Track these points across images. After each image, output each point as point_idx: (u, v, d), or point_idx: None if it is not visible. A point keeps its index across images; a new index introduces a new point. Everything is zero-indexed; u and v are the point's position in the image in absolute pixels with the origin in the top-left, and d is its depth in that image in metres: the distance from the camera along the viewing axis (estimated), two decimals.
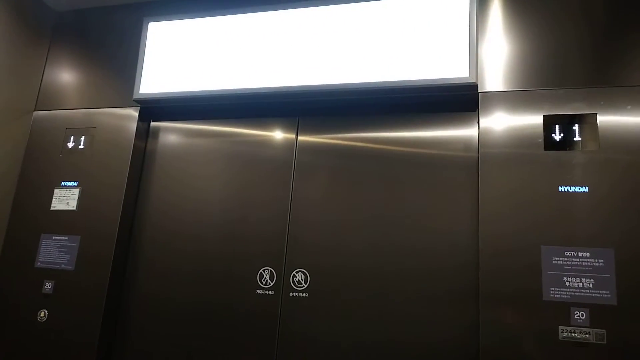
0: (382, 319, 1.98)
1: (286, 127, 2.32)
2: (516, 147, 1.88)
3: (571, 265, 1.73)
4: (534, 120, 1.89)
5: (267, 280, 2.14)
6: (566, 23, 1.97)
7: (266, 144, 2.32)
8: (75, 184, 2.42)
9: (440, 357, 1.89)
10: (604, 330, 1.65)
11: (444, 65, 2.02)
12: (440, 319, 1.91)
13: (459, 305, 1.90)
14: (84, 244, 2.32)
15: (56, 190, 2.43)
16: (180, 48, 2.42)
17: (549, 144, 1.85)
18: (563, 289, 1.71)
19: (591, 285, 1.69)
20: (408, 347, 1.93)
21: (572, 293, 1.70)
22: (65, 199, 2.40)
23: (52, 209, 2.41)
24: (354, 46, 2.15)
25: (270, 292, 2.12)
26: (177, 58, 2.42)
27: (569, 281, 1.71)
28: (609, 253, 1.70)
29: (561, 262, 1.74)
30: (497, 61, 2.01)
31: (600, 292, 1.68)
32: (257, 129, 2.36)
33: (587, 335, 1.65)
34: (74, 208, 2.38)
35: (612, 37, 1.90)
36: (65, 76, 2.65)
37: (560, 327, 1.68)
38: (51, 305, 2.28)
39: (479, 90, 1.99)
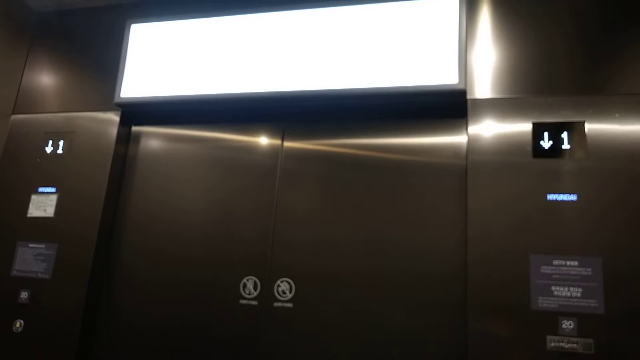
0: (367, 329, 1.95)
1: (271, 133, 2.29)
2: (505, 154, 1.87)
3: (559, 274, 1.72)
4: (523, 127, 1.88)
5: (250, 290, 2.10)
6: (555, 31, 1.97)
7: (251, 150, 2.29)
8: (53, 190, 2.36)
9: None
10: (591, 340, 1.64)
11: (433, 71, 2.00)
12: (429, 330, 1.89)
13: (447, 316, 1.88)
14: (61, 252, 2.26)
15: (33, 197, 2.37)
16: (163, 51, 2.38)
17: (538, 151, 1.84)
18: (551, 298, 1.71)
19: (579, 295, 1.69)
20: (395, 358, 1.90)
21: (560, 302, 1.70)
22: (43, 205, 2.34)
23: (28, 215, 2.36)
24: (342, 51, 2.13)
25: (253, 302, 2.08)
26: (160, 61, 2.38)
27: (557, 290, 1.71)
28: (597, 262, 1.70)
29: (549, 271, 1.73)
30: (486, 68, 2.01)
31: (588, 301, 1.68)
32: (241, 135, 2.32)
33: (575, 345, 1.65)
34: (52, 215, 2.32)
35: (601, 46, 1.90)
36: (45, 79, 2.60)
37: (548, 337, 1.67)
38: (27, 315, 2.22)
39: (467, 97, 1.99)
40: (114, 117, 2.40)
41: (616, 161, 1.76)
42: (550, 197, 1.79)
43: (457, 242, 1.92)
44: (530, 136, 1.87)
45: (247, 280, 2.11)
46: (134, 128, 2.49)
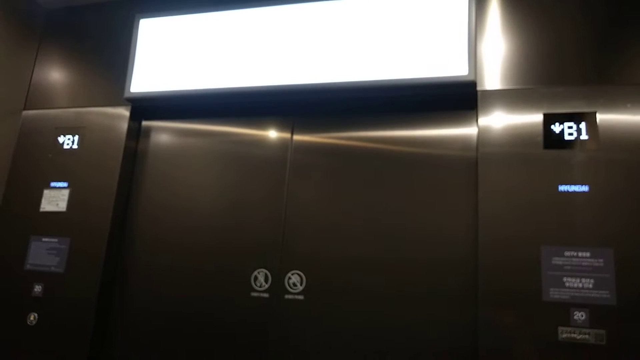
0: (379, 321, 1.95)
1: (281, 126, 2.29)
2: (515, 145, 1.87)
3: (571, 265, 1.71)
4: (533, 118, 1.87)
5: (261, 282, 2.11)
6: (566, 20, 1.96)
7: (261, 143, 2.29)
8: (65, 184, 2.37)
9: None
10: (603, 331, 1.64)
11: (443, 62, 1.99)
12: (440, 321, 1.89)
13: (458, 307, 1.88)
14: (74, 246, 2.28)
15: (45, 191, 2.39)
16: (172, 45, 2.39)
17: (549, 142, 1.83)
18: (563, 290, 1.70)
19: (591, 286, 1.68)
20: (406, 350, 1.90)
21: (572, 293, 1.69)
22: (55, 200, 2.36)
23: (41, 210, 2.37)
24: (351, 43, 2.13)
25: (264, 295, 2.09)
26: (169, 55, 2.38)
27: (569, 281, 1.70)
28: (609, 253, 1.69)
29: (561, 262, 1.72)
30: (496, 59, 2.00)
31: (600, 292, 1.67)
32: (251, 128, 2.33)
33: (587, 336, 1.64)
34: (64, 209, 2.34)
35: (612, 35, 1.89)
36: (55, 74, 2.61)
37: (560, 328, 1.67)
38: (41, 309, 2.24)
39: (477, 88, 1.97)
40: (124, 112, 2.41)
41: (628, 152, 1.75)
42: (562, 188, 1.78)
43: (468, 233, 1.92)
44: (541, 127, 1.85)
45: (258, 272, 2.12)
46: (144, 122, 2.50)
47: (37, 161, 2.46)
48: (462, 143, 2.04)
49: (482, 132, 1.92)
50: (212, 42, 2.33)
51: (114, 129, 2.40)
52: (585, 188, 1.76)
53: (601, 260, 1.69)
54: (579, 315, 1.66)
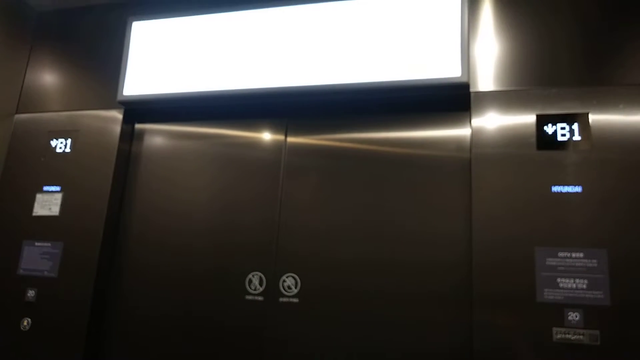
0: (374, 323, 1.95)
1: (275, 129, 2.28)
2: (508, 146, 1.87)
3: (565, 266, 1.72)
4: (527, 119, 1.88)
5: (256, 285, 2.11)
6: (558, 22, 1.97)
7: (254, 145, 2.29)
8: (58, 188, 2.36)
9: None
10: (597, 331, 1.64)
11: (436, 64, 2.00)
12: (435, 322, 1.90)
13: (453, 308, 1.88)
14: (67, 250, 2.27)
15: (38, 196, 2.38)
16: (165, 48, 2.38)
17: (542, 143, 1.83)
18: (557, 290, 1.70)
19: (585, 286, 1.69)
20: (402, 351, 1.91)
21: (566, 294, 1.70)
22: (48, 204, 2.34)
23: (34, 214, 2.36)
24: (344, 45, 2.13)
25: (259, 298, 2.09)
26: (162, 58, 2.38)
27: (563, 282, 1.71)
28: (602, 253, 1.69)
29: (555, 263, 1.73)
30: (489, 60, 2.00)
31: (594, 292, 1.68)
32: (245, 131, 2.32)
33: (581, 337, 1.65)
34: (57, 213, 2.32)
35: (605, 36, 1.89)
36: (48, 78, 2.60)
37: (554, 329, 1.67)
38: (34, 314, 2.23)
39: (470, 90, 1.98)
40: (117, 115, 2.40)
41: (621, 152, 1.75)
42: (555, 188, 1.79)
43: (462, 234, 1.92)
44: (534, 128, 1.86)
45: (253, 276, 2.12)
46: (137, 125, 2.49)
47: (29, 165, 2.45)
48: (455, 144, 2.04)
49: (475, 134, 1.92)
50: (205, 44, 2.32)
51: (107, 132, 2.39)
52: (578, 189, 1.76)
53: (595, 260, 1.70)
54: (573, 316, 1.67)
